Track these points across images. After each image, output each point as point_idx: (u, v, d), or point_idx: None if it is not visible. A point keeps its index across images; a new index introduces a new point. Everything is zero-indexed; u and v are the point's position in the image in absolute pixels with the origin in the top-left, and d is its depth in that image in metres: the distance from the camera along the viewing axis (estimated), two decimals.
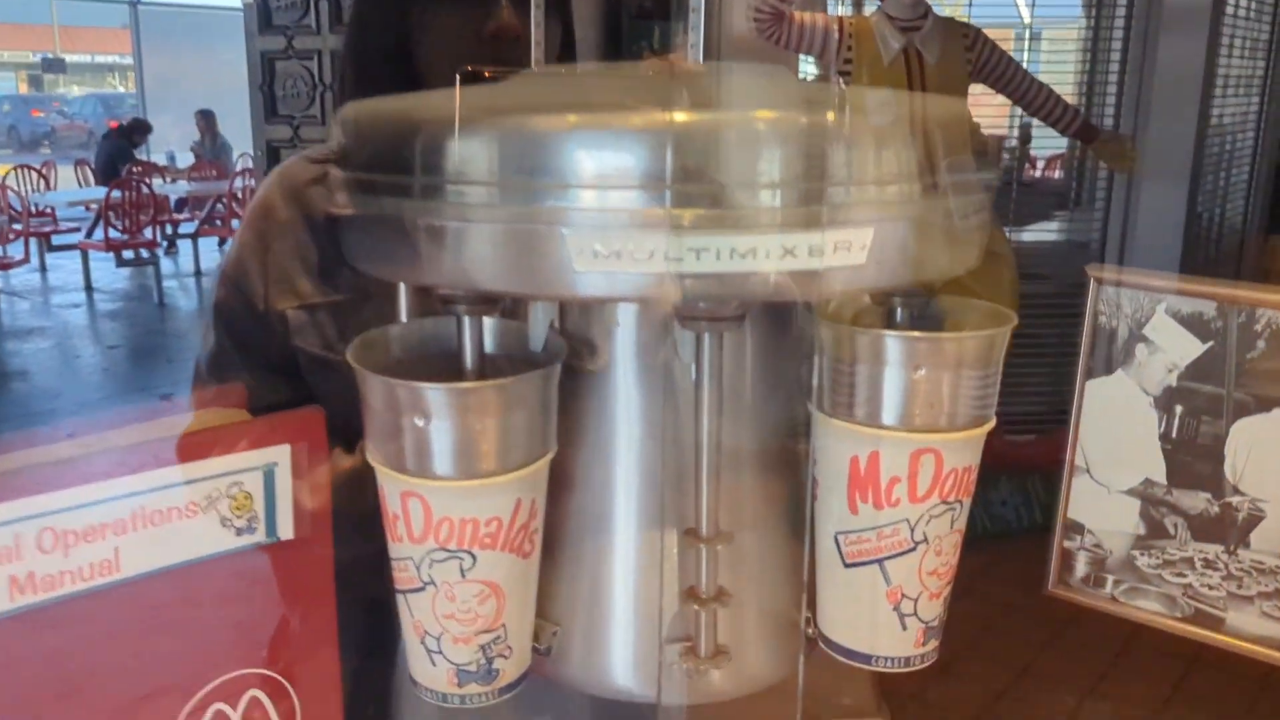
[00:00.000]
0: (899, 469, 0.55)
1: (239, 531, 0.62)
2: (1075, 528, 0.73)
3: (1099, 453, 0.71)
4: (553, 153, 0.47)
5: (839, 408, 0.56)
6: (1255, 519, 0.66)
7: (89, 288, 7.07)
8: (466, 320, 0.55)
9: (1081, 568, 0.73)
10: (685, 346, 0.54)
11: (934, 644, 0.60)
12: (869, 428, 0.55)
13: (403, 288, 0.63)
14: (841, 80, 2.86)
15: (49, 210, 7.82)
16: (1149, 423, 0.69)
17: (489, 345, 0.58)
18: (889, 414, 0.54)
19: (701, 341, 0.52)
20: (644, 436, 0.58)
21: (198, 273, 7.57)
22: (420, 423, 0.52)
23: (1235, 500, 0.67)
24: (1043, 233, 4.36)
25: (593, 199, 0.47)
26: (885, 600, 0.57)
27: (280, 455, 0.62)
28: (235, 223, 7.61)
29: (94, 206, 7.03)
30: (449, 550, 0.54)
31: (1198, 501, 0.68)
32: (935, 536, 0.56)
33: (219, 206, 7.55)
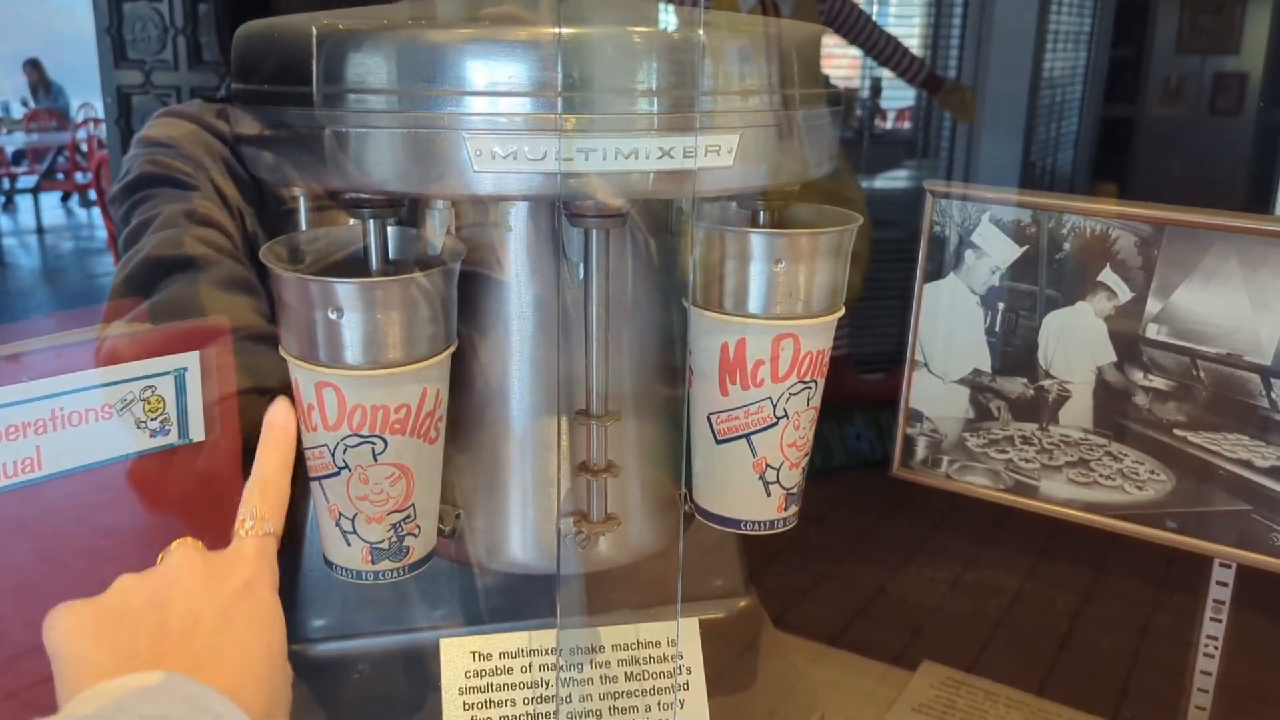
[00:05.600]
0: (763, 352, 0.63)
1: (153, 433, 0.65)
2: (915, 416, 0.83)
3: (935, 348, 0.81)
4: (454, 62, 0.52)
5: (710, 301, 0.63)
6: (1063, 399, 0.77)
7: None
8: (372, 223, 0.60)
9: (921, 451, 0.83)
10: (573, 245, 0.61)
11: (794, 509, 0.68)
12: (737, 317, 0.62)
13: (303, 200, 0.67)
14: None
15: None
16: (976, 319, 0.79)
17: (391, 251, 0.63)
18: (754, 304, 0.62)
19: (589, 239, 0.58)
20: (535, 331, 0.64)
21: (40, 230, 7.19)
22: (334, 317, 0.56)
23: (1047, 383, 0.77)
24: (893, 180, 4.56)
25: (489, 105, 0.53)
26: (752, 470, 0.65)
27: (190, 361, 0.66)
28: (79, 176, 7.25)
29: None
30: (362, 435, 0.59)
31: (1016, 386, 0.79)
32: (794, 412, 0.65)
33: (60, 159, 7.16)
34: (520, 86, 0.52)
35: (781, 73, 0.59)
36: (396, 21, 0.55)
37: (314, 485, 0.62)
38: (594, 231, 0.58)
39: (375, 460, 0.60)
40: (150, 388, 0.65)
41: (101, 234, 6.93)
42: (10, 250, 6.82)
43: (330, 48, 0.55)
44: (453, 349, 0.62)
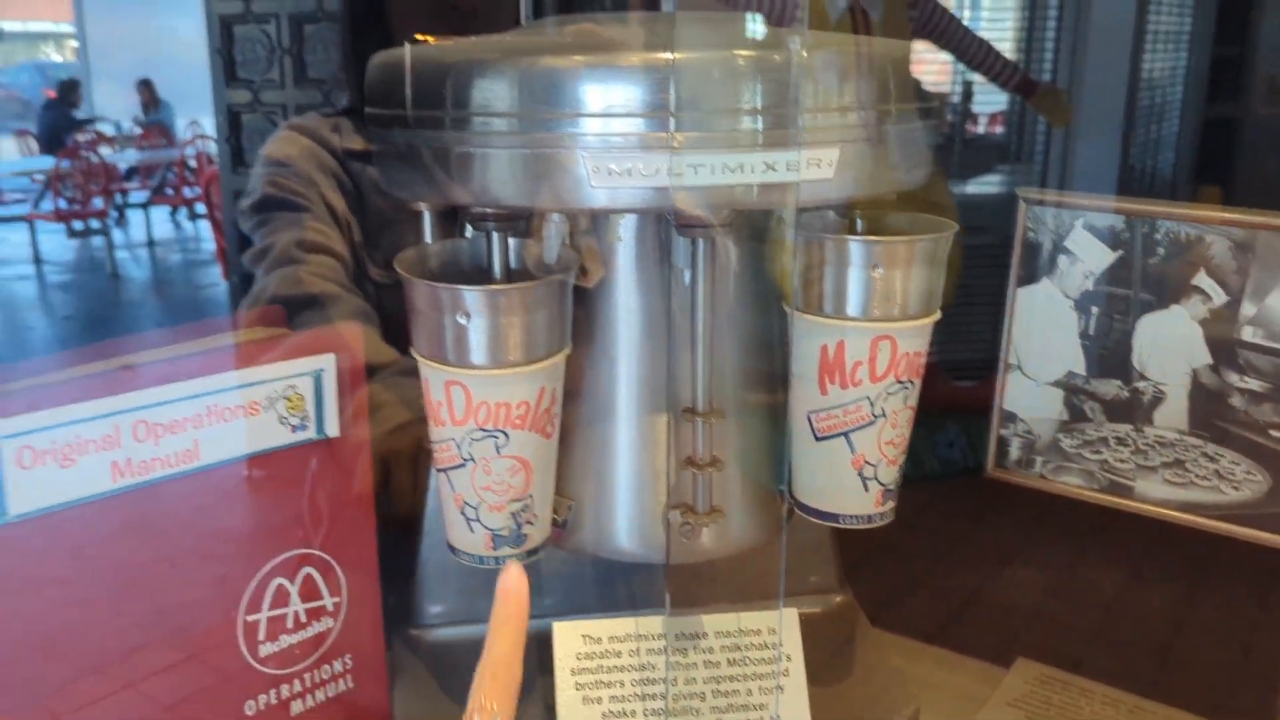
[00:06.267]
0: (861, 353, 0.66)
1: (294, 428, 0.71)
2: (1009, 417, 0.85)
3: (1028, 350, 0.83)
4: (572, 87, 0.57)
5: (810, 304, 0.66)
6: (1158, 400, 0.78)
7: (38, 260, 7.00)
8: (495, 236, 0.65)
9: (1015, 452, 0.85)
10: (680, 253, 0.65)
11: (891, 504, 0.71)
12: (836, 319, 0.66)
13: (427, 215, 0.73)
14: None
15: None
16: (1070, 322, 0.81)
17: (512, 261, 0.68)
18: (852, 307, 0.65)
19: (695, 247, 0.62)
20: (643, 335, 0.69)
21: (150, 243, 7.52)
22: (462, 321, 0.61)
23: (1141, 385, 0.79)
24: (985, 186, 4.51)
25: (605, 125, 0.57)
26: (850, 467, 0.69)
27: (326, 363, 0.72)
28: (187, 190, 7.57)
29: (40, 177, 6.94)
30: (486, 430, 0.64)
31: (1111, 388, 0.80)
32: (892, 411, 0.68)
33: (170, 175, 7.49)
34: (634, 108, 0.56)
35: (877, 89, 0.62)
36: (519, 50, 0.60)
37: (440, 476, 0.67)
38: (700, 239, 0.62)
39: (497, 453, 0.64)
40: (292, 386, 0.71)
41: (208, 246, 7.23)
42: (122, 263, 7.15)
43: (458, 75, 0.60)
44: (567, 351, 0.66)
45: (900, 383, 0.67)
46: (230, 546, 0.70)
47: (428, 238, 0.72)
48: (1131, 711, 0.85)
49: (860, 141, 0.61)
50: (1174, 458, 0.78)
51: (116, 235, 7.51)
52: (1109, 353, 0.79)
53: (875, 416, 0.67)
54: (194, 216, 7.90)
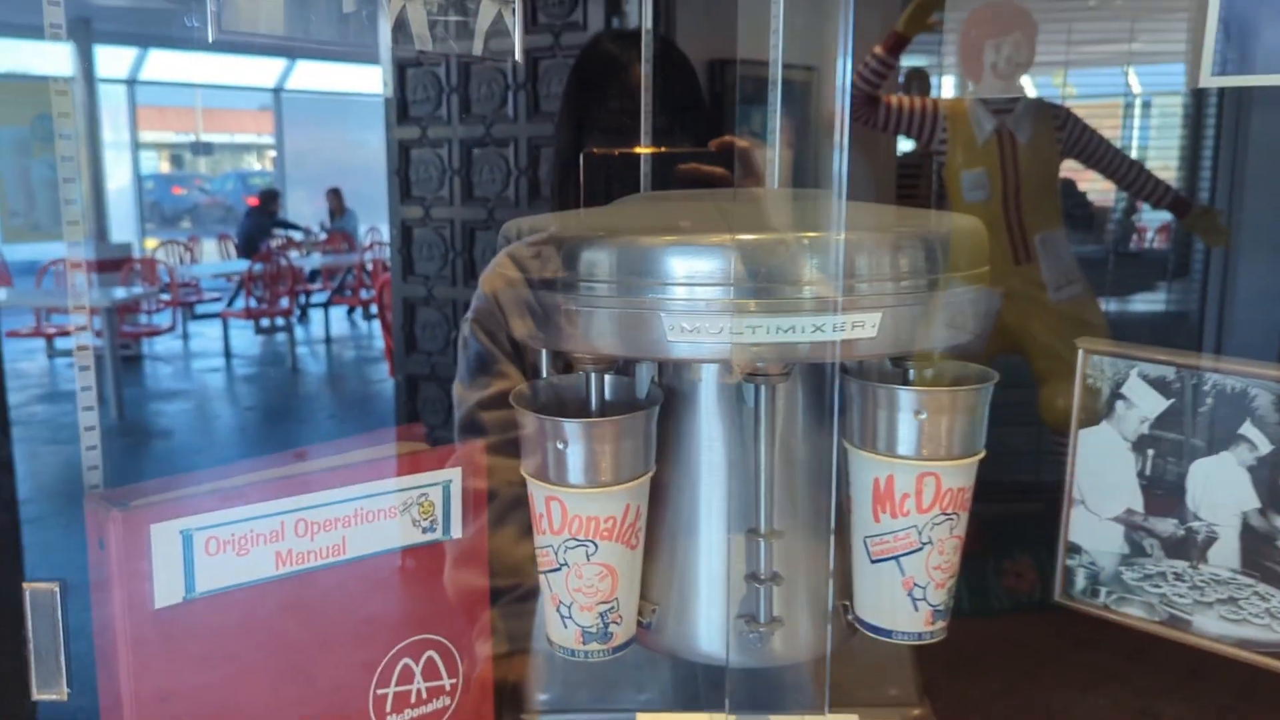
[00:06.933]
0: (909, 487, 0.74)
1: (425, 530, 0.85)
2: (1074, 548, 0.91)
3: (1091, 487, 0.89)
4: (656, 261, 0.69)
5: (864, 441, 0.76)
6: (1211, 539, 0.83)
7: (228, 354, 7.63)
8: (593, 376, 0.77)
9: (1080, 581, 0.90)
10: (748, 396, 0.75)
11: (941, 624, 0.78)
12: (886, 456, 0.75)
13: (544, 355, 0.86)
14: (938, 159, 3.05)
15: (193, 281, 8.47)
16: (1128, 463, 0.87)
17: (608, 395, 0.80)
18: (901, 446, 0.74)
19: (759, 392, 0.73)
20: (719, 461, 0.79)
21: (328, 340, 8.08)
22: (561, 446, 0.74)
23: (1196, 525, 0.84)
24: (1148, 304, 4.41)
25: (681, 292, 0.69)
26: (901, 588, 0.77)
27: (454, 475, 0.85)
28: (364, 293, 8.12)
29: (235, 278, 7.59)
30: (579, 540, 0.75)
31: (1168, 526, 0.85)
32: (938, 539, 0.76)
33: (349, 277, 8.07)
34: (705, 279, 0.68)
35: (927, 261, 0.72)
36: (616, 229, 0.73)
37: (541, 578, 0.79)
38: (761, 385, 0.73)
39: (588, 560, 0.76)
40: (425, 494, 0.84)
41: (379, 344, 7.72)
42: (301, 358, 7.69)
43: (568, 248, 0.73)
44: (651, 474, 0.77)
45: (946, 514, 0.75)
46: (367, 628, 0.83)
47: (544, 371, 0.85)
48: None
49: (906, 306, 0.71)
50: (1228, 595, 0.83)
51: (298, 332, 8.11)
52: (1164, 492, 0.85)
53: (923, 544, 0.75)
54: (368, 316, 8.45)
